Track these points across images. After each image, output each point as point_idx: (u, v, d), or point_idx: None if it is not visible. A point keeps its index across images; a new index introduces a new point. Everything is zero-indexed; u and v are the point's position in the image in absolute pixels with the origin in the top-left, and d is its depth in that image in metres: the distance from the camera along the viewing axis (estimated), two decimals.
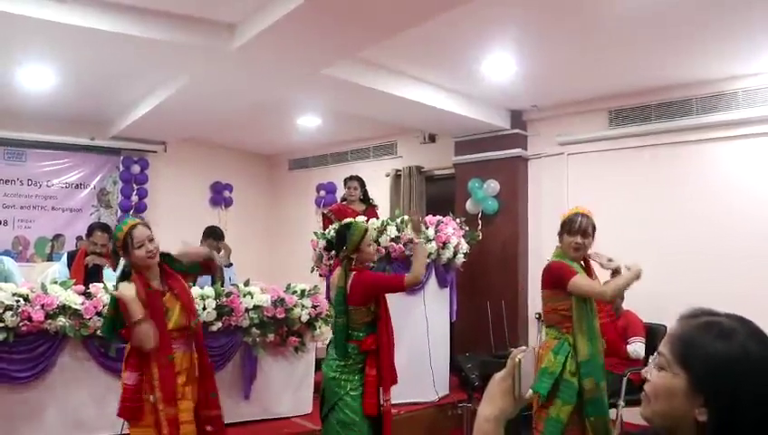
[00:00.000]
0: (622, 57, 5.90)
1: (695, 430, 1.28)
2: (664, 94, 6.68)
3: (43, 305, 4.36)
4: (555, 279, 3.88)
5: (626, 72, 6.33)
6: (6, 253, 7.56)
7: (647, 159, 6.89)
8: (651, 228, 6.71)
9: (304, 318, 5.37)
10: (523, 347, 1.55)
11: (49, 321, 4.37)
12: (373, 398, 4.05)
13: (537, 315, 7.58)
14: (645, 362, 5.22)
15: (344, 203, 6.86)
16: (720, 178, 6.43)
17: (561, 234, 3.99)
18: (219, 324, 5.02)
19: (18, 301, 4.31)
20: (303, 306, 5.37)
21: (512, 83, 6.67)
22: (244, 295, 5.18)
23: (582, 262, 4.00)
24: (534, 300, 7.64)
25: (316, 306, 5.43)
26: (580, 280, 3.78)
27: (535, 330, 7.61)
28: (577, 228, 3.88)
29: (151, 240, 3.45)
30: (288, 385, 5.51)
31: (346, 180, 6.91)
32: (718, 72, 6.21)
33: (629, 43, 5.53)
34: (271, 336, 5.28)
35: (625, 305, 5.81)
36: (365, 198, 6.80)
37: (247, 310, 5.13)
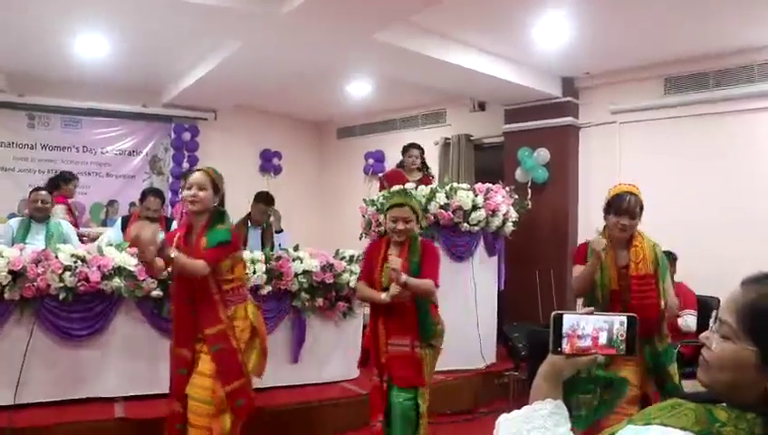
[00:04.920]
0: (679, 21, 5.73)
1: (764, 397, 1.20)
2: (723, 60, 6.48)
3: (99, 267, 4.48)
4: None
5: (683, 38, 6.16)
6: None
7: (704, 128, 6.71)
8: (707, 199, 6.56)
9: (353, 283, 5.38)
10: (590, 308, 1.52)
11: (105, 282, 4.50)
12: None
13: None
14: (696, 335, 5.14)
15: (400, 169, 6.83)
16: None
17: (606, 212, 3.67)
18: (269, 288, 5.09)
19: (76, 262, 4.45)
20: (352, 272, 5.40)
21: (564, 50, 6.54)
22: (294, 260, 5.23)
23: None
24: None
25: None
26: (573, 271, 3.78)
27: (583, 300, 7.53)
28: (625, 208, 3.56)
29: (201, 188, 3.52)
30: (336, 349, 5.56)
31: (406, 148, 6.84)
32: None
33: (687, 5, 5.36)
34: (320, 301, 5.34)
35: (677, 278, 5.72)
36: (423, 166, 6.77)
37: (297, 275, 5.19)
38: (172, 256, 3.34)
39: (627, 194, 3.60)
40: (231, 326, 3.51)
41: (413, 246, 3.91)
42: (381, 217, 5.70)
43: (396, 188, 5.55)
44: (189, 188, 3.52)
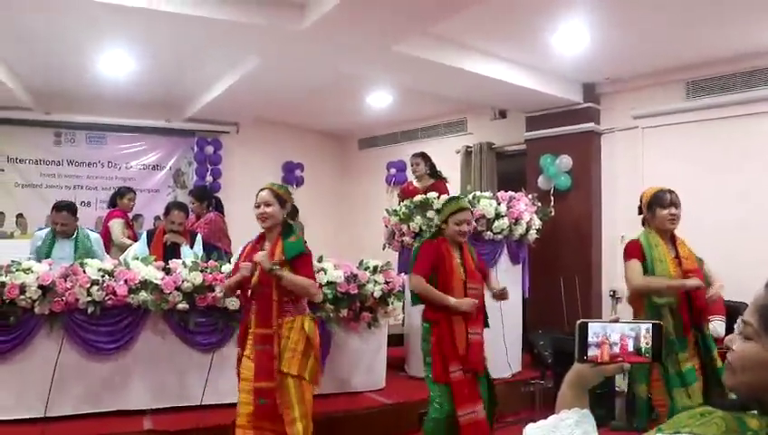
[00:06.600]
0: (699, 24, 5.69)
1: None
2: (746, 62, 6.41)
3: (126, 280, 4.53)
4: (623, 256, 3.98)
5: (703, 41, 6.11)
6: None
7: (728, 130, 6.64)
8: (734, 203, 6.48)
9: (377, 294, 5.40)
10: (616, 316, 1.51)
11: (132, 295, 4.55)
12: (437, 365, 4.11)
13: (611, 292, 7.45)
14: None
15: (413, 181, 6.84)
16: None
17: (651, 210, 3.93)
18: None
19: (103, 276, 4.50)
20: (376, 282, 5.41)
21: (584, 55, 6.52)
22: (318, 271, 5.23)
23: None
24: (609, 276, 7.50)
25: (389, 282, 5.45)
26: (630, 266, 3.89)
27: (609, 307, 7.48)
28: (669, 202, 3.88)
29: (268, 205, 3.72)
30: (361, 360, 5.56)
31: (410, 158, 6.88)
32: None
33: (707, 8, 5.33)
34: (344, 312, 5.33)
35: None
36: (432, 173, 6.71)
37: (321, 286, 5.19)
38: (278, 271, 3.56)
39: (665, 190, 3.94)
40: (278, 334, 3.60)
41: (470, 247, 4.30)
42: (405, 227, 5.79)
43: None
44: (258, 207, 3.72)
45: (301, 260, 3.68)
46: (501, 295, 4.28)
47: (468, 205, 4.32)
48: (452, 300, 4.01)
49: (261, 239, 3.85)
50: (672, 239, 3.96)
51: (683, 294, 3.79)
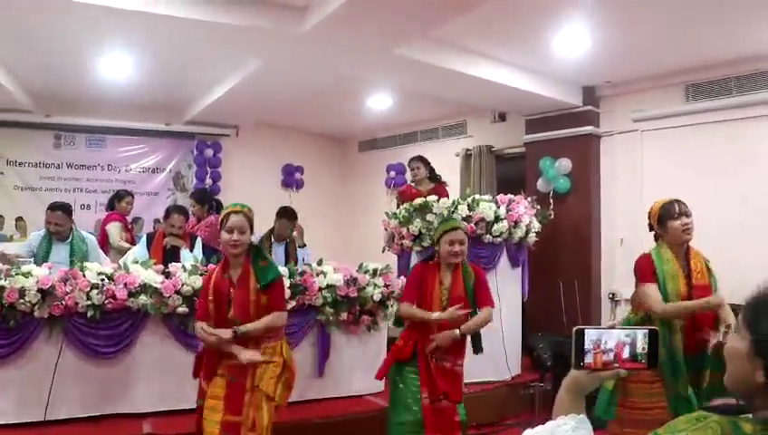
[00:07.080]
0: (699, 27, 5.69)
1: (763, 395, 1.24)
2: (745, 65, 6.43)
3: (125, 284, 4.53)
4: (635, 273, 3.76)
5: (703, 44, 6.11)
6: None
7: (727, 133, 6.64)
8: (732, 207, 6.48)
9: (377, 297, 5.40)
10: (613, 323, 1.53)
11: (131, 299, 4.54)
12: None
13: (610, 295, 7.46)
14: None
15: (412, 184, 6.83)
16: None
17: (662, 225, 3.72)
18: (293, 303, 5.09)
19: (103, 280, 4.50)
20: (376, 285, 5.41)
21: (584, 59, 6.53)
22: (318, 275, 5.25)
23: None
24: (608, 279, 7.51)
25: (388, 285, 5.46)
26: (647, 291, 3.64)
27: (608, 309, 7.49)
28: (679, 211, 3.69)
29: (242, 232, 3.54)
30: (361, 363, 5.56)
31: (409, 162, 6.86)
32: None
33: (707, 11, 5.34)
34: (344, 315, 5.34)
35: None
36: (432, 177, 6.68)
37: (321, 289, 5.20)
38: (243, 330, 3.45)
39: (673, 201, 3.75)
40: (253, 365, 3.50)
41: (465, 271, 4.08)
42: (404, 230, 5.80)
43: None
44: (230, 232, 3.54)
45: (277, 286, 3.60)
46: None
47: (460, 224, 4.19)
48: (433, 315, 3.93)
49: (225, 266, 3.64)
50: (686, 252, 3.74)
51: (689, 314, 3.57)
